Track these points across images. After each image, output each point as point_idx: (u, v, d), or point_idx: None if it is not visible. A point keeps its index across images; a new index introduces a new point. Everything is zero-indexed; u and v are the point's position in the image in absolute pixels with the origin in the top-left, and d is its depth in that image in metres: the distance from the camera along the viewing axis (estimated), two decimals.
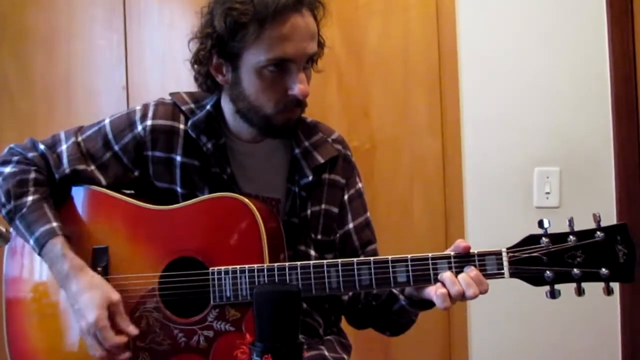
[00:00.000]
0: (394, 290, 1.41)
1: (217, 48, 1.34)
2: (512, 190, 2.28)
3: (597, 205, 2.16)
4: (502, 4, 2.29)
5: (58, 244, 1.34)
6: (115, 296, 1.31)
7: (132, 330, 1.31)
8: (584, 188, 2.21)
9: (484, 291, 1.23)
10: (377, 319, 1.49)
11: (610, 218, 2.12)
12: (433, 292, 1.25)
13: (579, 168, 2.22)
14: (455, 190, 2.34)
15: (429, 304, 1.32)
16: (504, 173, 2.29)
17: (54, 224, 1.36)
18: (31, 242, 1.36)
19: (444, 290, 1.23)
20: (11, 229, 1.43)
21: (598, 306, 2.13)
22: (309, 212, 1.46)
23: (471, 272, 1.23)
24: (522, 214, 2.26)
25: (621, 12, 2.16)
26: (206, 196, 1.39)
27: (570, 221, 1.23)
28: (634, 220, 2.13)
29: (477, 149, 2.31)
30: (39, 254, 1.36)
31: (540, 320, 2.23)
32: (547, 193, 2.24)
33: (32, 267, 1.44)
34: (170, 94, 1.49)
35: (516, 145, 2.27)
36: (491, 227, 2.29)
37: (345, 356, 1.52)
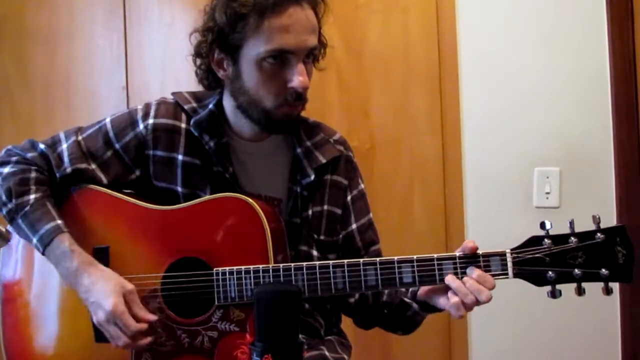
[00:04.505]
0: (405, 299, 1.42)
1: (218, 42, 1.34)
2: (512, 190, 2.28)
3: (597, 205, 2.17)
4: (502, 4, 2.29)
5: (65, 241, 1.33)
6: (130, 285, 1.31)
7: (151, 317, 1.31)
8: (584, 188, 2.21)
9: (490, 288, 1.24)
10: (390, 323, 1.50)
11: (610, 218, 2.13)
12: (446, 303, 1.26)
13: (579, 168, 2.22)
14: (455, 190, 2.34)
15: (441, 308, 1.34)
16: (504, 173, 2.29)
17: (59, 222, 1.35)
18: (34, 240, 1.34)
19: (456, 299, 1.24)
20: (11, 228, 1.43)
21: (598, 306, 2.13)
22: (310, 212, 1.46)
23: (474, 274, 1.24)
24: (522, 214, 2.26)
25: (621, 12, 2.16)
26: (210, 196, 1.38)
27: (571, 223, 1.25)
28: (634, 221, 2.13)
29: (477, 149, 2.31)
30: (43, 253, 1.34)
31: (540, 320, 2.23)
32: (547, 193, 2.24)
33: (29, 268, 1.44)
34: (173, 93, 1.49)
35: (516, 145, 2.27)
36: (491, 227, 2.29)
37: (345, 356, 1.53)
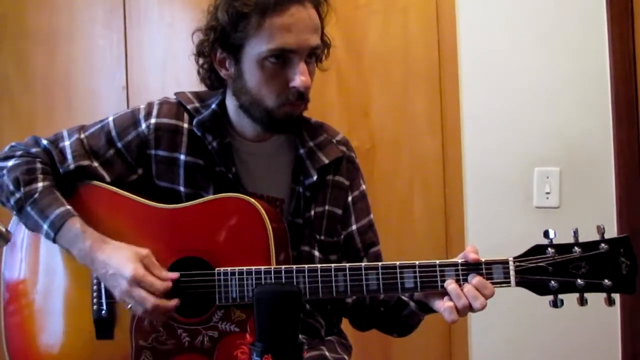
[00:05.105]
0: (403, 297, 1.41)
1: (220, 41, 1.34)
2: (512, 190, 2.28)
3: (597, 205, 2.17)
4: (502, 4, 2.29)
5: (76, 223, 1.34)
6: (144, 250, 1.31)
7: (173, 275, 1.31)
8: (584, 188, 2.21)
9: (489, 295, 1.23)
10: (386, 322, 1.49)
11: (610, 218, 2.13)
12: (441, 306, 1.25)
13: (579, 168, 2.22)
14: (455, 190, 2.34)
15: None
16: (504, 173, 2.29)
17: (68, 207, 1.36)
18: (45, 226, 1.34)
19: (450, 303, 1.23)
20: (13, 226, 1.43)
21: (598, 307, 2.12)
22: (312, 212, 1.45)
23: (474, 280, 1.24)
24: (522, 214, 2.26)
25: (621, 12, 2.16)
26: (213, 196, 1.38)
27: (575, 232, 1.24)
28: (634, 221, 2.13)
29: (477, 149, 2.31)
30: (54, 239, 1.34)
31: (540, 322, 2.23)
32: (547, 193, 2.24)
33: (34, 266, 1.44)
34: (175, 93, 1.49)
35: (516, 145, 2.27)
36: (491, 227, 2.28)
37: (345, 357, 1.52)
